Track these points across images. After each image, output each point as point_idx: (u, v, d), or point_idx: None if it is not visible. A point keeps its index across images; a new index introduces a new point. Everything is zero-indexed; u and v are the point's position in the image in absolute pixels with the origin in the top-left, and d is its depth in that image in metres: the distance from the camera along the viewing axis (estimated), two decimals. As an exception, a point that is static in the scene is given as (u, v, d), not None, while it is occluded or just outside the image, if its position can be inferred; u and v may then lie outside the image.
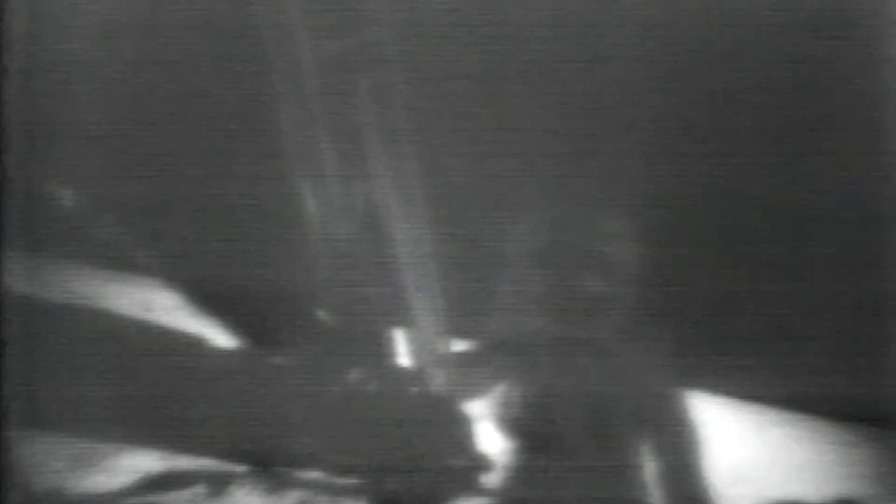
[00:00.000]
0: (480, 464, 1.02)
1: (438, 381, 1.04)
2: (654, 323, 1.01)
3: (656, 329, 1.01)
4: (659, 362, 1.01)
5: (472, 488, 1.02)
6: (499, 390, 1.03)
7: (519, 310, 1.03)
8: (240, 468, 1.02)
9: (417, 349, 1.05)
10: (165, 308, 1.05)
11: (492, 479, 1.01)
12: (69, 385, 1.01)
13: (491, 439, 1.02)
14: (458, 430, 1.03)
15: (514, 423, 1.02)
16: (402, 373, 1.04)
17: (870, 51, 1.00)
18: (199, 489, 1.01)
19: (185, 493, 1.01)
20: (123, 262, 1.04)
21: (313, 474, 1.02)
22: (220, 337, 1.05)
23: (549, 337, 1.02)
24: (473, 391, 1.03)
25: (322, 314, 1.05)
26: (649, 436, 1.00)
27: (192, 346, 1.04)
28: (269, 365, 1.04)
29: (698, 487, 0.99)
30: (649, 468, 1.00)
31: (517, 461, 1.01)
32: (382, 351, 1.05)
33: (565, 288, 1.02)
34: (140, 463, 1.02)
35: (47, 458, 1.02)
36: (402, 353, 1.05)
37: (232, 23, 1.02)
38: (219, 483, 1.02)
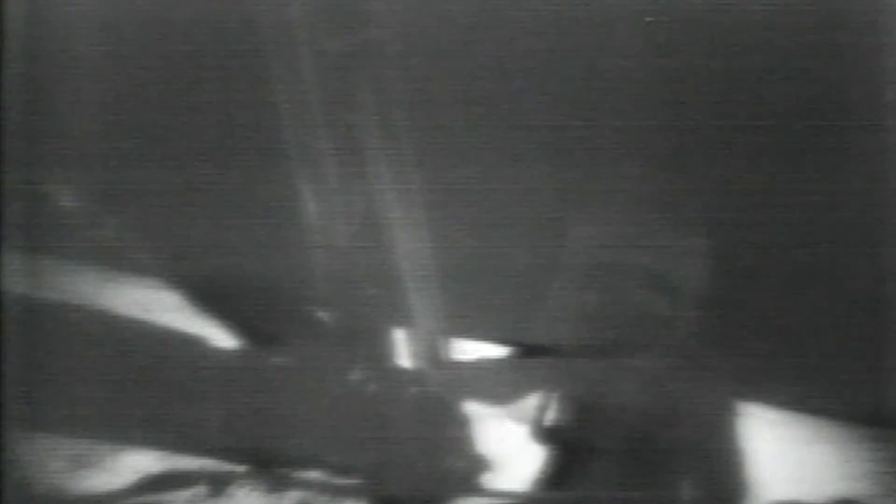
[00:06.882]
0: (481, 464, 1.02)
1: (440, 381, 1.04)
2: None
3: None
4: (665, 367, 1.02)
5: (473, 488, 1.02)
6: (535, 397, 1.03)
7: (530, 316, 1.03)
8: (240, 468, 1.02)
9: (417, 350, 1.05)
10: (165, 308, 1.05)
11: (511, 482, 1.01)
12: (69, 385, 1.01)
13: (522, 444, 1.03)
14: (459, 430, 1.03)
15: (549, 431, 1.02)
16: (401, 373, 1.04)
17: (872, 49, 1.00)
18: (199, 489, 1.01)
19: (185, 493, 1.01)
20: (123, 262, 1.04)
21: (313, 474, 1.02)
22: (220, 337, 1.05)
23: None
24: (505, 397, 1.04)
25: (322, 314, 1.05)
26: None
27: (192, 345, 1.04)
28: (270, 365, 1.04)
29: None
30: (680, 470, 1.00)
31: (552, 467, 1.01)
32: (382, 351, 1.05)
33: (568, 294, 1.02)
34: (140, 463, 1.02)
35: (47, 458, 1.02)
36: (402, 353, 1.05)
37: (232, 22, 1.02)
38: (219, 483, 1.02)
